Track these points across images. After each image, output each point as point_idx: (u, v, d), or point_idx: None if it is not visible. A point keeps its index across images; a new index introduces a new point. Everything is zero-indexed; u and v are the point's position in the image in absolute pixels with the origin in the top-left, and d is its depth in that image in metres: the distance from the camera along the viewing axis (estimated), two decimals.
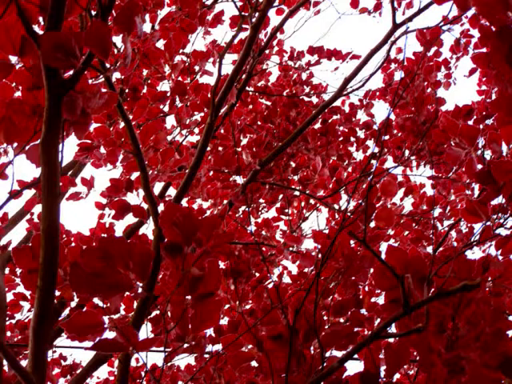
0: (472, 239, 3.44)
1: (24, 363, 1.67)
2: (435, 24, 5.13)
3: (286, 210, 5.56)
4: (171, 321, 1.85)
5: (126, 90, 4.39)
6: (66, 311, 4.29)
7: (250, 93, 5.88)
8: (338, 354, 2.05)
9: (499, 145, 2.34)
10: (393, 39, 5.05)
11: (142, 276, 1.63)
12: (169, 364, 4.40)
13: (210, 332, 3.30)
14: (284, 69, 6.47)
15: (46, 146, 1.79)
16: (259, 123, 5.66)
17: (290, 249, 4.48)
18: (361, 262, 2.32)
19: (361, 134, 6.11)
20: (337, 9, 15.32)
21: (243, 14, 4.19)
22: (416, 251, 1.89)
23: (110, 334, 1.68)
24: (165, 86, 10.12)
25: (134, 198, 4.43)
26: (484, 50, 1.92)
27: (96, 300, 2.33)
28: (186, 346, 1.92)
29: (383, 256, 1.85)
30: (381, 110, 23.43)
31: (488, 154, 2.61)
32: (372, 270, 2.08)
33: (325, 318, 2.24)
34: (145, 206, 3.43)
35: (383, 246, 8.05)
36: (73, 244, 4.28)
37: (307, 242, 12.68)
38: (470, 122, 4.56)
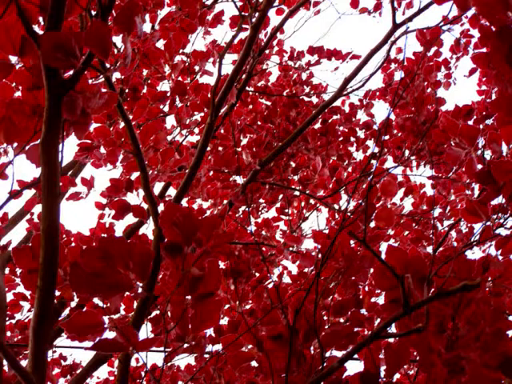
0: (472, 239, 3.43)
1: (24, 363, 1.67)
2: (435, 24, 5.13)
3: (286, 210, 5.55)
4: (171, 321, 1.85)
5: (126, 90, 4.38)
6: (66, 311, 4.30)
7: (250, 93, 5.88)
8: (338, 353, 2.05)
9: (499, 145, 2.34)
10: (393, 39, 5.05)
11: (142, 276, 1.63)
12: (169, 364, 4.40)
13: (210, 332, 3.30)
14: (284, 69, 6.46)
15: (46, 146, 1.79)
16: (259, 123, 5.66)
17: (290, 249, 4.47)
18: (361, 262, 2.32)
19: (361, 133, 6.12)
20: (337, 9, 15.34)
21: (243, 14, 4.19)
22: (416, 251, 1.89)
23: (110, 334, 1.68)
24: (165, 86, 10.12)
25: (134, 197, 4.43)
26: (484, 50, 1.92)
27: (96, 300, 2.33)
28: (186, 346, 1.92)
29: (383, 256, 1.85)
30: (381, 110, 23.43)
31: (488, 154, 2.61)
32: (372, 270, 2.08)
33: (325, 317, 2.24)
34: (145, 206, 3.43)
35: (383, 246, 8.05)
36: (73, 244, 4.28)
37: (307, 241, 12.68)
38: (470, 122, 4.56)
